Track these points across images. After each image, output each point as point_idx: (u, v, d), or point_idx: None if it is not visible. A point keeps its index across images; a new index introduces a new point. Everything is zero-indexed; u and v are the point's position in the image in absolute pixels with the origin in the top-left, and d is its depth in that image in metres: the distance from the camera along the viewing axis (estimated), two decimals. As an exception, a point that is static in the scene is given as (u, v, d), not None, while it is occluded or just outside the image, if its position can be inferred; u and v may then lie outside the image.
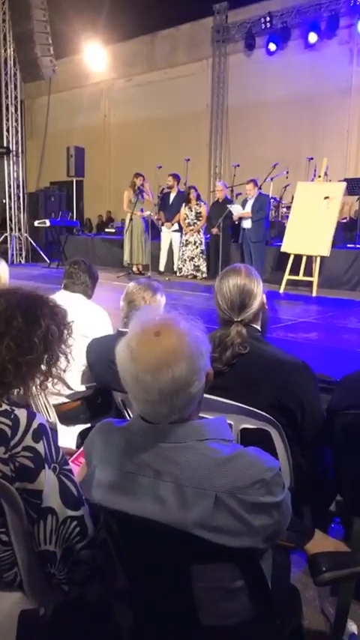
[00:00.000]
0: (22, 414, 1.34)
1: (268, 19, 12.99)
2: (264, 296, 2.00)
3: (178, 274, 10.04)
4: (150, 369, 1.10)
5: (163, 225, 10.28)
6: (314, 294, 8.01)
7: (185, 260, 9.96)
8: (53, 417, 2.72)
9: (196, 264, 9.88)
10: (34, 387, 1.45)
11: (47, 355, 1.43)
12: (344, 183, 8.73)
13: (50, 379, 1.46)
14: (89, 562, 1.44)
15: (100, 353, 2.42)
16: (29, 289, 1.49)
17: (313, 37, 12.44)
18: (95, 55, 15.49)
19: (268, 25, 13.04)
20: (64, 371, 1.52)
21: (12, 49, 12.50)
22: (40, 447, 1.32)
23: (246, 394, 1.81)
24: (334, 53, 12.56)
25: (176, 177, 10.32)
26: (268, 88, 13.40)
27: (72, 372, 2.82)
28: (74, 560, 1.41)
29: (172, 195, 10.25)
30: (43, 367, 1.44)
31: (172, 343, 1.12)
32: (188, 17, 14.47)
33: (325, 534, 1.70)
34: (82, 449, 1.84)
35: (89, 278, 3.05)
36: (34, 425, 1.33)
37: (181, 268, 10.03)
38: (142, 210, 9.89)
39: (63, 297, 2.88)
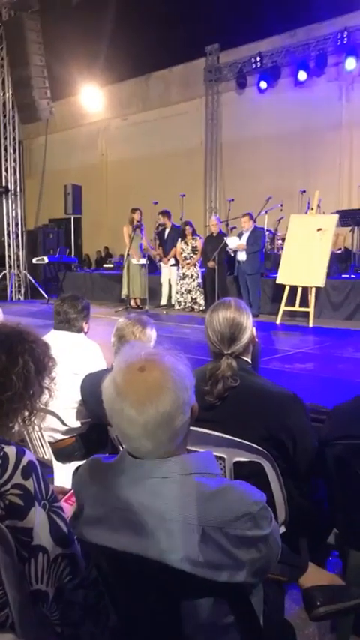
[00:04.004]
0: (11, 451, 1.34)
1: (258, 58, 13.42)
2: (254, 329, 2.03)
3: (176, 307, 10.13)
4: (134, 404, 1.12)
5: (160, 260, 10.41)
6: (311, 324, 8.03)
7: (182, 293, 10.06)
8: (49, 454, 2.72)
9: (193, 296, 9.99)
10: (18, 424, 1.46)
11: (28, 391, 1.45)
12: (337, 215, 8.87)
13: (34, 414, 1.47)
14: (82, 602, 1.42)
15: (94, 388, 2.42)
16: (10, 326, 1.52)
17: (302, 75, 12.82)
18: (91, 97, 15.92)
19: (259, 64, 13.47)
20: (46, 405, 1.53)
21: (10, 92, 12.87)
22: (30, 484, 1.32)
23: (238, 427, 1.82)
24: (324, 90, 12.92)
25: (166, 213, 10.53)
26: (260, 124, 13.73)
27: (67, 409, 2.83)
28: (67, 600, 1.40)
29: (167, 231, 10.48)
30: (27, 403, 1.45)
31: (156, 378, 1.14)
32: (181, 59, 14.94)
33: (319, 567, 1.69)
34: (74, 488, 1.84)
35: (77, 313, 2.98)
36: (24, 462, 1.33)
37: (179, 301, 10.13)
38: (143, 255, 10.04)
39: (53, 337, 2.88)
